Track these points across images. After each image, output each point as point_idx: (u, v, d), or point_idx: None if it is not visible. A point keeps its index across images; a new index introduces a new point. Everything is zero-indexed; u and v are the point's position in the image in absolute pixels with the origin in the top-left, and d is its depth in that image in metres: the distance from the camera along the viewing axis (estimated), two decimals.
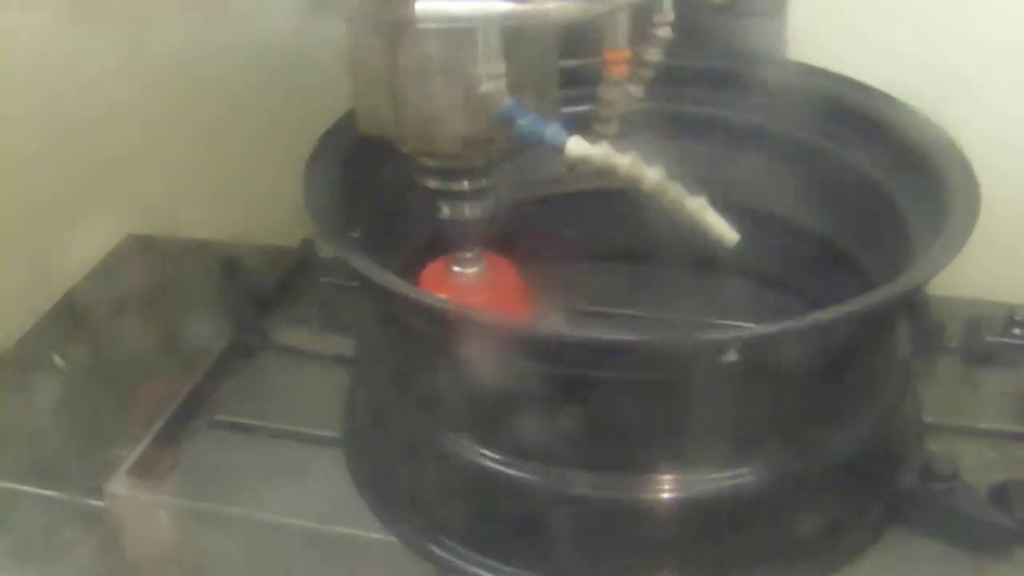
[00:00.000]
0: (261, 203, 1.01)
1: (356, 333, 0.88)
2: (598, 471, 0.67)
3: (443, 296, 0.74)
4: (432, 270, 0.80)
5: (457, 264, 0.79)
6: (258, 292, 0.96)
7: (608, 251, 0.97)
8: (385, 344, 0.80)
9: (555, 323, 0.63)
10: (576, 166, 0.65)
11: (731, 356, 0.60)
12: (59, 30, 1.03)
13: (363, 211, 0.80)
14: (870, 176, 0.81)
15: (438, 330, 0.67)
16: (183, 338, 0.93)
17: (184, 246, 1.08)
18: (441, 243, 0.79)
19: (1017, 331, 0.86)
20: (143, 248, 1.09)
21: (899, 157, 0.79)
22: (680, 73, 0.86)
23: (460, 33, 0.63)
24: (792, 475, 0.68)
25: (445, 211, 0.75)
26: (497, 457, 0.69)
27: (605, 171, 0.65)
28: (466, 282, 0.79)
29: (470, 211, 0.75)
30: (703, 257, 0.80)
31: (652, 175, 0.64)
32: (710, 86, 0.88)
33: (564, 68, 0.73)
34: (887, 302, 0.64)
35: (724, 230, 0.66)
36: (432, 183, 0.74)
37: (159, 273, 1.04)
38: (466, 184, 0.74)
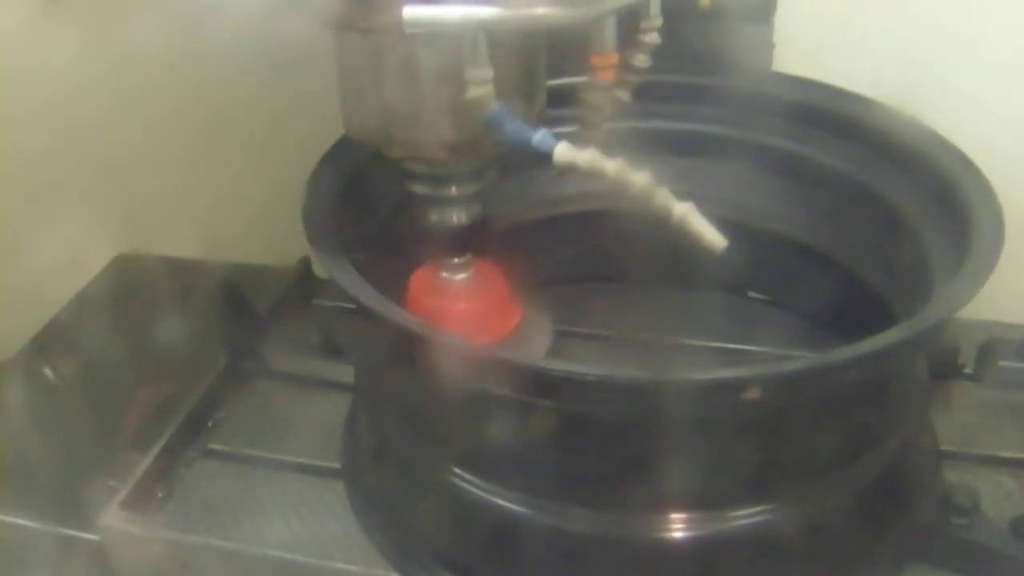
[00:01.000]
0: (256, 222, 1.00)
1: (356, 358, 0.85)
2: (609, 509, 0.65)
3: (443, 330, 0.70)
4: (420, 276, 0.79)
5: (445, 270, 0.78)
6: (254, 315, 0.93)
7: (601, 271, 0.95)
8: (385, 372, 0.78)
9: (561, 361, 0.61)
10: (564, 171, 0.65)
11: (752, 394, 0.58)
12: (51, 40, 1.02)
13: (366, 233, 0.78)
14: (878, 192, 0.80)
15: (433, 362, 0.65)
16: (176, 364, 0.90)
17: (176, 266, 1.05)
18: (429, 248, 0.79)
19: None
20: (133, 268, 1.06)
21: (914, 176, 0.78)
22: (690, 92, 0.87)
23: (447, 38, 0.63)
24: (808, 512, 0.66)
25: (432, 217, 0.75)
26: (504, 493, 0.67)
27: (592, 176, 0.64)
28: (454, 288, 0.78)
29: (457, 217, 0.75)
30: (698, 274, 0.79)
31: (639, 180, 0.64)
32: (706, 102, 0.88)
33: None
34: (917, 336, 0.62)
35: (711, 235, 0.65)
36: (419, 189, 0.74)
37: (150, 294, 1.01)
38: (453, 190, 0.74)
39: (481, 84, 0.64)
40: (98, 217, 1.03)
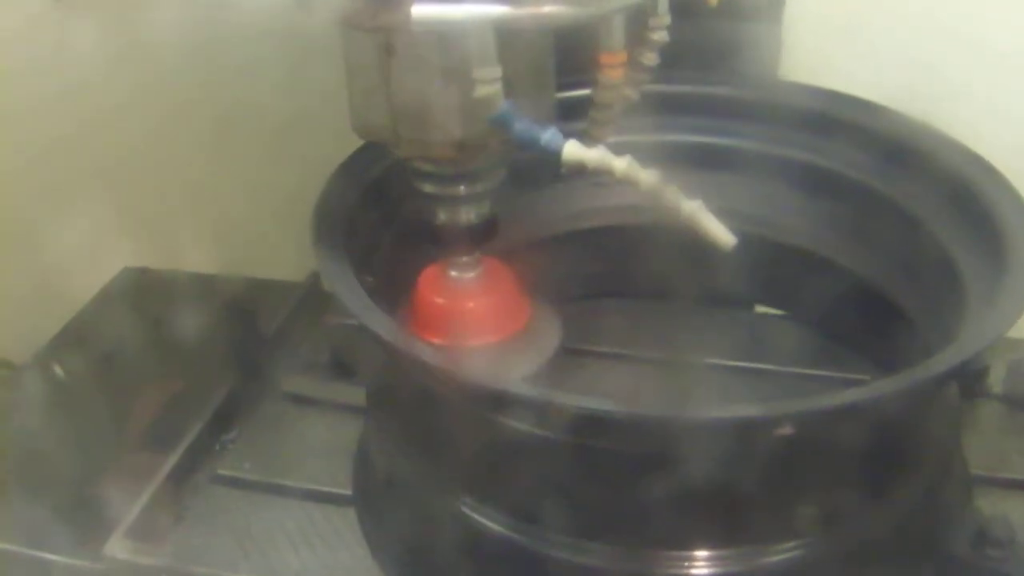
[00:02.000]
0: (266, 235, 0.99)
1: (367, 381, 0.82)
2: (627, 545, 0.63)
3: (454, 359, 0.69)
4: (429, 274, 0.79)
5: (454, 268, 0.78)
6: (262, 334, 0.90)
7: (614, 288, 0.94)
8: (395, 398, 0.76)
9: (576, 395, 0.57)
10: (572, 170, 0.65)
11: (785, 430, 0.57)
12: (61, 49, 1.01)
13: (380, 254, 0.77)
14: (910, 211, 0.78)
15: (444, 392, 0.65)
16: (183, 384, 0.89)
17: (183, 281, 1.03)
18: (438, 247, 0.79)
19: None
20: (140, 282, 1.04)
21: (945, 193, 0.76)
22: (704, 103, 0.86)
23: (455, 37, 0.63)
24: (838, 548, 0.64)
25: (441, 216, 0.75)
26: (518, 526, 0.65)
27: (601, 174, 0.64)
28: (463, 287, 0.78)
29: (466, 216, 0.75)
30: (715, 289, 0.80)
31: (648, 178, 0.64)
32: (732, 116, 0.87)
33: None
34: (953, 368, 0.60)
35: (721, 233, 0.65)
36: (428, 188, 0.74)
37: (157, 311, 0.98)
38: (462, 189, 0.74)
39: (490, 83, 0.64)
40: (105, 227, 1.02)
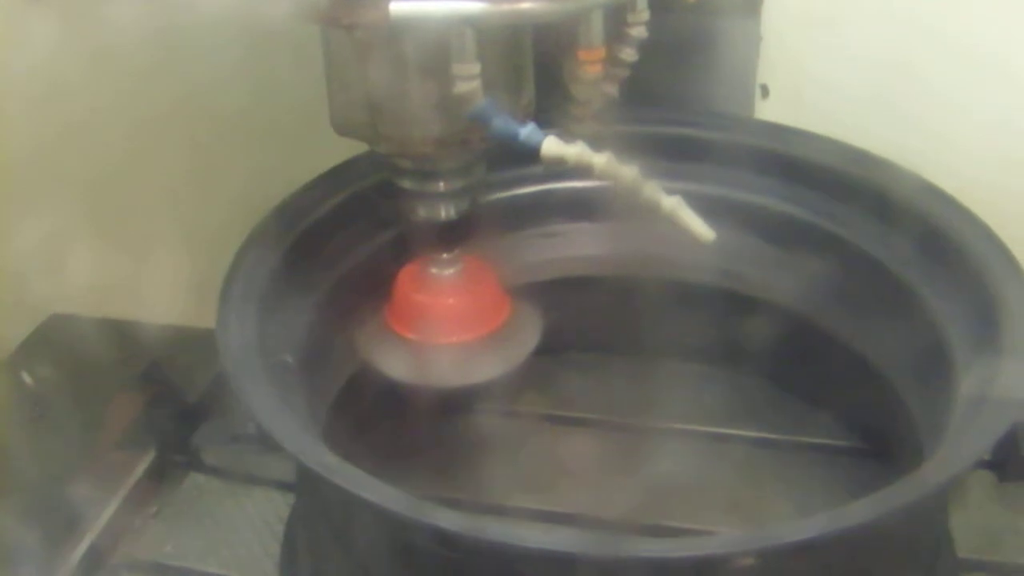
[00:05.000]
0: (198, 283, 0.95)
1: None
2: None
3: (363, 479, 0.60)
4: (409, 271, 0.79)
5: (434, 266, 0.78)
6: (185, 401, 0.83)
7: (585, 343, 0.92)
8: (315, 501, 0.71)
9: (490, 523, 0.57)
10: (552, 165, 0.65)
11: (746, 562, 0.54)
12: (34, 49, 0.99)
13: (299, 329, 0.73)
14: (884, 263, 0.77)
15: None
16: (97, 456, 0.82)
17: (110, 329, 0.96)
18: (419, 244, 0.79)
19: None
20: (65, 331, 0.97)
21: (928, 248, 0.74)
22: (681, 145, 0.84)
23: (434, 34, 0.63)
24: None
25: (421, 213, 0.75)
26: None
27: (581, 170, 0.64)
28: (443, 284, 0.78)
29: (446, 213, 0.75)
30: (688, 346, 0.80)
31: (627, 173, 0.64)
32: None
33: None
34: (945, 483, 0.58)
35: (700, 228, 0.66)
36: (407, 184, 0.74)
37: (79, 364, 0.92)
38: (441, 185, 0.74)
39: (468, 79, 0.64)
40: (31, 276, 0.94)
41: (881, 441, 0.81)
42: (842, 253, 0.80)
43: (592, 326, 0.91)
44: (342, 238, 0.81)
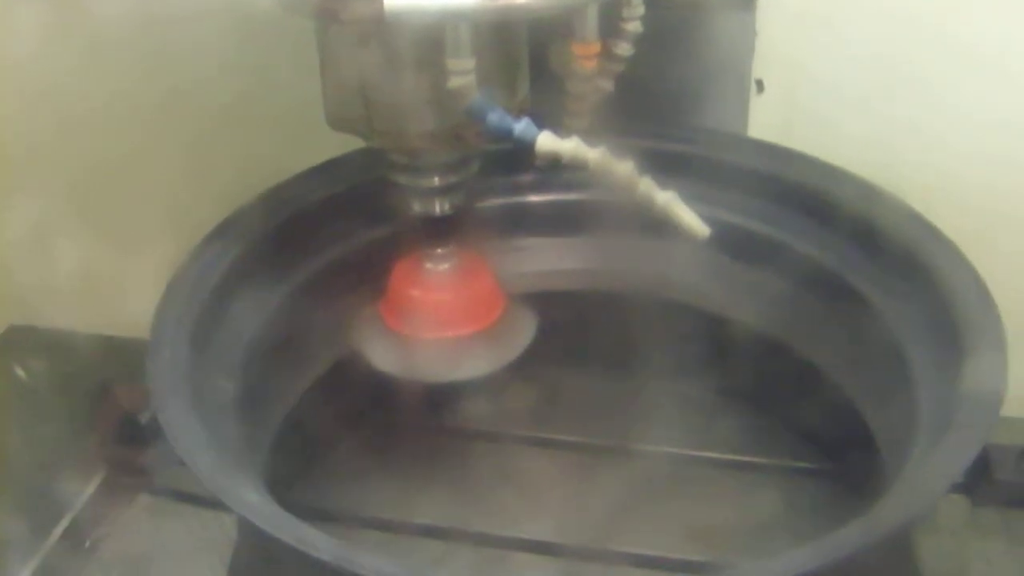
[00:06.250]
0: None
1: None
2: None
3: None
4: (404, 266, 0.79)
5: (428, 260, 0.78)
6: (136, 420, 0.77)
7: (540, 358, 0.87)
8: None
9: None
10: (546, 161, 0.65)
11: None
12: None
13: (239, 353, 0.72)
14: (859, 290, 0.76)
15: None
16: (46, 478, 0.80)
17: (69, 342, 0.94)
18: (413, 238, 0.78)
19: None
20: (23, 344, 0.95)
21: (898, 273, 0.73)
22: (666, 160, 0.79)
23: (429, 28, 0.63)
24: None
25: (415, 207, 0.75)
26: None
27: (575, 165, 0.64)
28: (437, 279, 0.78)
29: (440, 207, 0.75)
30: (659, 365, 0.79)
31: (622, 169, 0.64)
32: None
33: None
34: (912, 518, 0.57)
35: (694, 223, 0.66)
36: (402, 179, 0.74)
37: (34, 379, 0.90)
38: (436, 180, 0.73)
39: (463, 74, 0.64)
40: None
41: (844, 462, 0.81)
42: (797, 265, 0.80)
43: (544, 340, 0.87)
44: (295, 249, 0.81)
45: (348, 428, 0.87)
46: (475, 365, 0.77)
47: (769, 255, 0.82)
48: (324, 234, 0.83)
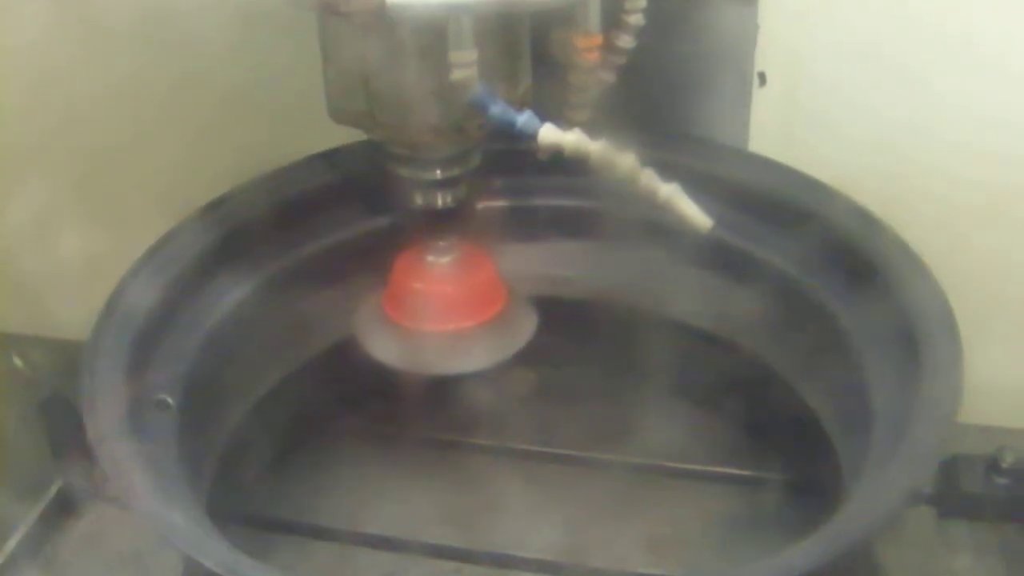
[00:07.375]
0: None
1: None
2: None
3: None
4: (406, 258, 0.79)
5: (431, 253, 0.78)
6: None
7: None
8: None
9: None
10: (549, 153, 0.65)
11: None
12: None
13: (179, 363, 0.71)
14: (818, 299, 0.76)
15: None
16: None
17: (27, 347, 0.91)
18: (416, 230, 0.78)
19: (1002, 480, 0.67)
20: None
21: (864, 288, 0.73)
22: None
23: (431, 21, 0.63)
24: None
25: (418, 200, 0.75)
26: None
27: (577, 158, 0.64)
28: (440, 271, 0.78)
29: (443, 200, 0.75)
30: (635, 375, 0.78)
31: (624, 161, 0.64)
32: None
33: None
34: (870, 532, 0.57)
35: (697, 215, 0.65)
36: (404, 172, 0.74)
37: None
38: (438, 173, 0.73)
39: (465, 66, 0.63)
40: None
41: (805, 472, 0.81)
42: (762, 276, 0.80)
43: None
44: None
45: (311, 434, 0.87)
46: (476, 358, 0.77)
47: (733, 263, 0.82)
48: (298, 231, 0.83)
